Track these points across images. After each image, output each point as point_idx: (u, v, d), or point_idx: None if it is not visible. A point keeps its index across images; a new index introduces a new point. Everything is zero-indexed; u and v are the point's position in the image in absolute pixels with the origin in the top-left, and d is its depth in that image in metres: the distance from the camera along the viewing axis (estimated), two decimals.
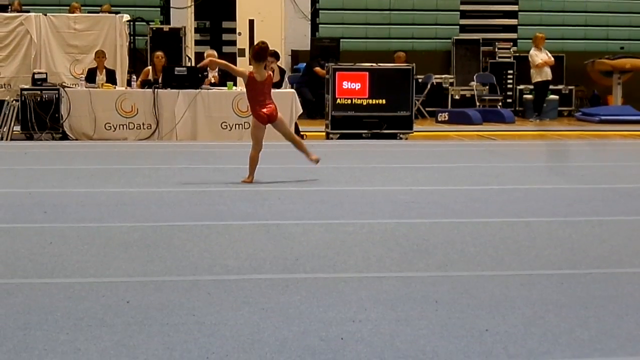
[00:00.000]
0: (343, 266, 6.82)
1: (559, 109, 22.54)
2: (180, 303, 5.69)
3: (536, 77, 21.31)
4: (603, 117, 21.11)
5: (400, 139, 17.15)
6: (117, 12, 20.21)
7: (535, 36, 21.56)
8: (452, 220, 8.73)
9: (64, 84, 17.43)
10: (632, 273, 6.69)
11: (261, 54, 11.22)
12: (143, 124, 16.57)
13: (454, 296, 5.93)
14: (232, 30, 23.59)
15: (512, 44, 23.79)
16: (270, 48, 18.53)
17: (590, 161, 14.03)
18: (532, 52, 21.38)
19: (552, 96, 22.33)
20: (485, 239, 7.84)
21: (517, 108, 22.77)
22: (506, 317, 5.43)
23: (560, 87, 22.88)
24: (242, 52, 23.16)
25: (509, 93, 23.08)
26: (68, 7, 21.03)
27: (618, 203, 9.96)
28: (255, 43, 11.82)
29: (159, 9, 23.38)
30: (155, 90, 16.57)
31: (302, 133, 17.17)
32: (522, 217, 8.97)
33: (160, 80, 17.01)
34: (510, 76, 23.19)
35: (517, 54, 23.42)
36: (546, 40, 23.65)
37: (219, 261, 6.89)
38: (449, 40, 23.57)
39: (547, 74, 21.31)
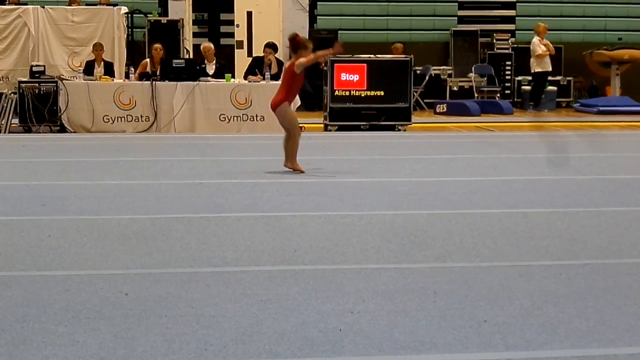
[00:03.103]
0: (341, 258, 6.82)
1: (557, 100, 22.53)
2: (178, 295, 5.69)
3: (536, 67, 21.28)
4: (601, 108, 21.09)
5: (399, 130, 17.13)
6: (115, 4, 20.19)
7: (537, 25, 21.51)
8: (451, 212, 8.73)
9: (62, 76, 17.43)
10: (631, 264, 6.69)
11: (291, 45, 11.44)
12: (141, 117, 16.56)
13: (452, 287, 5.93)
14: (230, 22, 23.56)
15: (510, 35, 23.75)
16: (268, 40, 18.63)
17: (588, 152, 14.03)
18: (535, 41, 21.32)
19: (550, 87, 22.31)
20: (483, 230, 7.84)
21: (515, 99, 22.74)
22: (505, 308, 5.43)
23: (558, 78, 22.85)
24: (240, 44, 23.14)
25: (507, 84, 23.06)
26: (66, 0, 21.00)
27: (617, 194, 9.96)
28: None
29: (157, 1, 23.34)
30: (154, 82, 16.56)
31: (300, 125, 17.15)
32: (521, 208, 8.97)
33: (158, 73, 16.99)
34: (509, 67, 23.15)
35: (516, 45, 23.39)
36: None
37: (218, 253, 6.89)
38: (447, 32, 23.54)
39: (547, 65, 21.29)
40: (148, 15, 21.60)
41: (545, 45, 21.17)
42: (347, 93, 16.93)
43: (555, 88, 22.45)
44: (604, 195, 9.87)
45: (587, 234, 7.77)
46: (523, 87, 22.62)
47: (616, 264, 6.69)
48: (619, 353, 4.67)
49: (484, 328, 5.05)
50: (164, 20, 21.63)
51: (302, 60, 11.22)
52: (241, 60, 21.92)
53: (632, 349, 4.74)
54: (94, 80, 17.05)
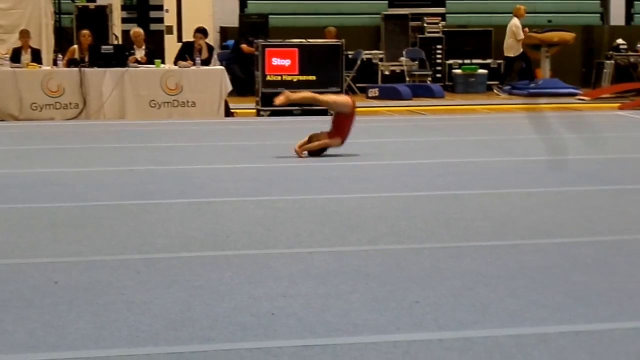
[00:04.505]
0: (274, 242, 6.81)
1: (488, 82, 22.68)
2: (109, 282, 5.64)
3: (516, 51, 21.41)
4: (532, 91, 21.29)
5: (331, 115, 17.11)
6: None
7: (517, 8, 21.56)
8: (383, 195, 8.76)
9: None
10: (560, 243, 6.76)
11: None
12: (70, 104, 16.34)
13: (384, 269, 5.95)
14: (160, 7, 23.34)
15: (441, 18, 23.84)
16: (198, 25, 18.50)
17: (519, 134, 14.15)
18: (516, 23, 21.36)
19: (480, 70, 22.47)
20: (415, 213, 7.88)
21: (446, 83, 22.85)
22: (436, 289, 5.47)
23: (489, 61, 23.02)
24: (169, 30, 22.95)
25: (438, 68, 23.16)
26: None
27: (546, 175, 10.05)
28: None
29: None
30: (82, 69, 16.36)
31: (232, 110, 17.11)
32: (452, 190, 9.03)
33: (86, 59, 16.79)
34: (440, 51, 23.25)
35: (446, 29, 23.50)
36: (473, 15, 23.79)
37: (149, 240, 6.84)
38: (378, 16, 23.58)
39: (520, 48, 21.56)
40: (76, 1, 21.32)
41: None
42: (279, 78, 16.87)
43: (485, 71, 22.62)
44: (534, 176, 9.96)
45: (517, 214, 7.85)
46: (454, 71, 22.75)
47: (546, 244, 6.76)
48: (550, 332, 4.73)
49: (416, 309, 5.08)
50: (91, 6, 21.36)
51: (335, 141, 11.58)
52: (171, 46, 21.74)
53: (563, 327, 4.79)
54: (21, 67, 16.79)
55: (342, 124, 11.65)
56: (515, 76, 23.17)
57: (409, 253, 6.44)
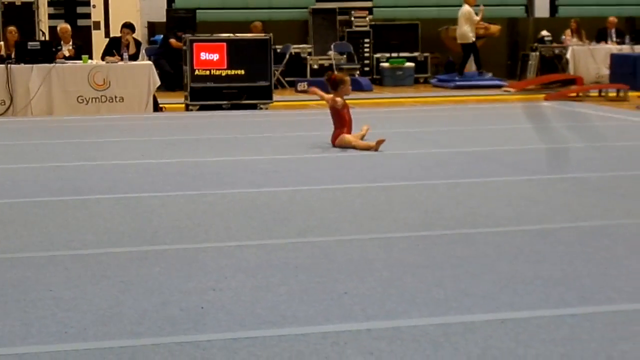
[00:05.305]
0: (204, 236, 6.81)
1: (415, 76, 22.85)
2: (36, 279, 5.60)
3: (472, 37, 21.46)
4: (458, 83, 21.48)
5: (261, 109, 17.14)
6: None
7: None
8: (312, 188, 8.80)
9: None
10: (487, 233, 6.85)
11: (335, 83, 12.12)
12: None
13: (313, 261, 5.99)
14: (87, 3, 23.14)
15: (368, 12, 23.94)
16: (126, 20, 18.38)
17: (444, 126, 14.29)
18: (468, 9, 21.40)
19: (408, 63, 22.62)
20: (344, 205, 7.93)
21: (374, 76, 22.97)
22: (365, 280, 5.51)
23: (415, 54, 23.18)
24: (97, 25, 22.76)
25: (367, 62, 23.27)
26: None
27: (473, 166, 10.17)
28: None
29: None
30: (8, 65, 16.17)
31: (160, 106, 17.03)
32: (381, 182, 9.10)
33: (13, 56, 16.61)
34: (367, 45, 23.36)
35: (374, 23, 23.60)
36: (400, 8, 23.92)
37: (77, 236, 6.80)
38: (306, 10, 23.62)
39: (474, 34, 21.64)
40: None
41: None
42: (208, 72, 16.83)
43: (412, 64, 22.77)
44: (461, 167, 10.07)
45: (445, 205, 7.93)
46: (382, 64, 22.87)
47: (473, 233, 6.84)
48: (476, 320, 4.79)
49: (345, 300, 5.12)
50: (18, 2, 21.09)
51: (338, 100, 11.95)
52: (98, 41, 21.56)
53: (489, 316, 4.86)
54: None
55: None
56: (442, 69, 23.34)
57: (337, 245, 6.48)
